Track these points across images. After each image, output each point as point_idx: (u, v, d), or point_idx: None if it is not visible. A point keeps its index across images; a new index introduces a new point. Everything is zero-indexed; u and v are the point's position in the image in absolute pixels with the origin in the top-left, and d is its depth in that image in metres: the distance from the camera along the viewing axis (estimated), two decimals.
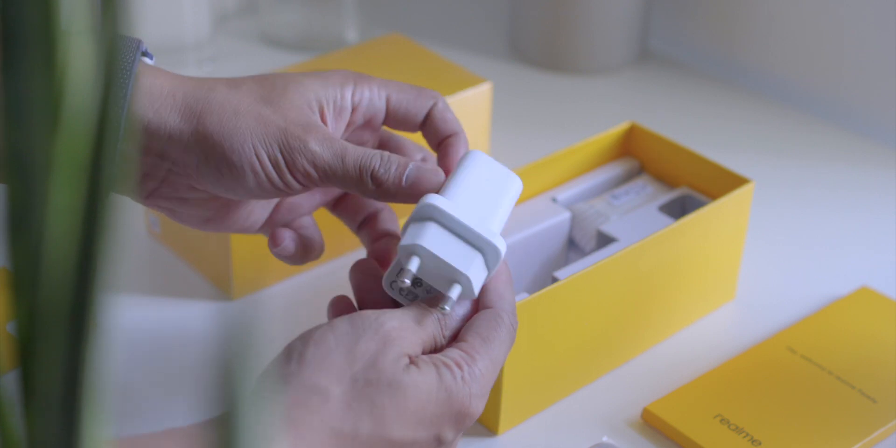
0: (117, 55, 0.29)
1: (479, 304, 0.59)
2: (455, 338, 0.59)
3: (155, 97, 0.59)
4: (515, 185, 0.63)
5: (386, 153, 0.60)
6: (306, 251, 0.65)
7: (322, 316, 0.79)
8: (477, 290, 0.59)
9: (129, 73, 0.58)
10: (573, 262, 0.75)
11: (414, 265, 0.57)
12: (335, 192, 0.67)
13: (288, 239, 0.64)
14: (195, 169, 0.60)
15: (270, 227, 0.65)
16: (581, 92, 1.04)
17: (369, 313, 0.56)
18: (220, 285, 0.80)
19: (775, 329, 0.79)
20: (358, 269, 0.61)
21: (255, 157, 0.59)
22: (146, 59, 0.62)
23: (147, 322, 0.77)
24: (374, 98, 0.63)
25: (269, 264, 0.80)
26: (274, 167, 0.59)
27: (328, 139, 0.60)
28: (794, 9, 1.01)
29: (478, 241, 0.58)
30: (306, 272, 0.82)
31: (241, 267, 0.78)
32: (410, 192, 0.60)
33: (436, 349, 0.58)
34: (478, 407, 0.56)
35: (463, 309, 0.59)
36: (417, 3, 1.16)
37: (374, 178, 0.59)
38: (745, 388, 0.73)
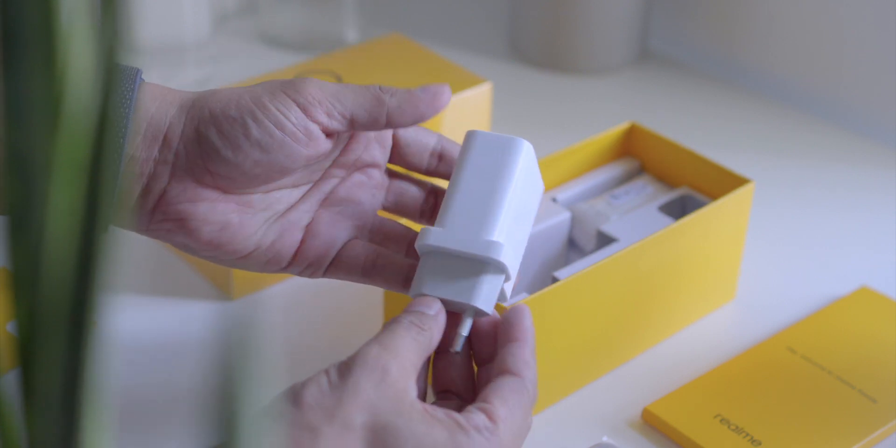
0: (117, 55, 0.29)
1: (504, 367, 0.57)
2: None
3: (155, 94, 0.60)
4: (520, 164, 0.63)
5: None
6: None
7: (321, 316, 0.79)
8: (492, 307, 0.59)
9: (130, 101, 0.57)
10: (573, 262, 0.75)
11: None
12: (364, 219, 0.64)
13: None
14: (197, 147, 0.59)
15: (301, 263, 0.62)
16: (581, 92, 1.04)
17: (364, 349, 0.55)
18: (220, 285, 0.80)
19: (775, 329, 0.79)
20: None
21: (253, 106, 0.59)
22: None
23: (147, 322, 0.77)
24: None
25: None
26: (277, 107, 0.59)
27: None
28: (794, 9, 1.01)
29: (479, 260, 0.59)
30: None
31: None
32: (426, 103, 0.61)
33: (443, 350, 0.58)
34: None
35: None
36: (417, 3, 1.16)
37: (385, 90, 0.61)
38: (745, 388, 0.73)
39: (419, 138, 0.65)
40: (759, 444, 0.69)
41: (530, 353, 0.58)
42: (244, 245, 0.61)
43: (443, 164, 0.65)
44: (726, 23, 1.06)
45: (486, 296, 0.59)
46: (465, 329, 0.59)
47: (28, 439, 0.30)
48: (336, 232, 0.63)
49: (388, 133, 0.64)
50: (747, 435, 0.70)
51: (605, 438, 0.70)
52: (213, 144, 0.59)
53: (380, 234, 0.64)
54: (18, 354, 0.30)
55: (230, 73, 1.02)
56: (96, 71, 0.29)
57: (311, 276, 0.63)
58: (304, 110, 0.59)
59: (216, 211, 0.60)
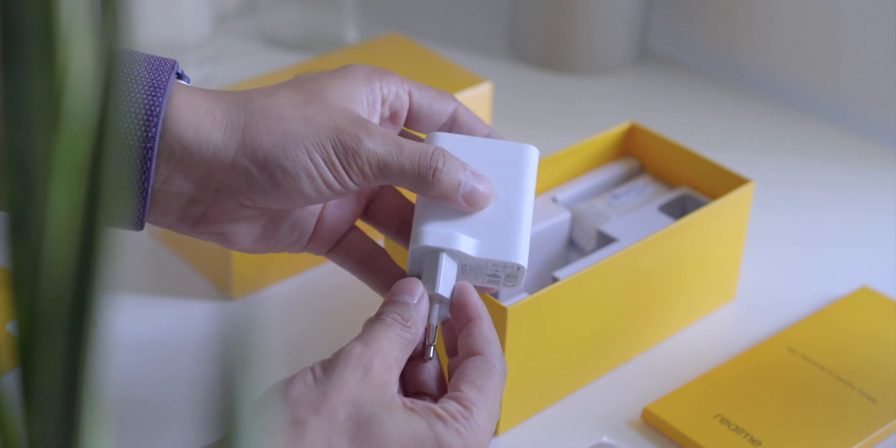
0: (117, 55, 0.29)
1: (466, 350, 0.58)
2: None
3: (193, 115, 0.57)
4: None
5: (445, 151, 0.60)
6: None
7: (321, 316, 0.79)
8: (446, 290, 0.60)
9: (163, 93, 0.56)
10: (573, 262, 0.75)
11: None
12: (367, 199, 0.65)
13: None
14: (245, 183, 0.58)
15: (316, 246, 0.64)
16: (581, 92, 1.04)
17: (348, 347, 0.57)
18: (220, 285, 0.80)
19: (775, 329, 0.79)
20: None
21: (309, 162, 0.57)
22: (182, 82, 0.59)
23: (147, 322, 0.77)
24: (399, 91, 0.62)
25: (269, 264, 0.80)
26: (330, 169, 0.57)
27: (381, 134, 0.58)
28: (794, 9, 1.01)
29: (421, 252, 0.61)
30: (306, 272, 0.82)
31: (241, 267, 0.78)
32: (460, 201, 0.60)
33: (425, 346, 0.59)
34: None
35: (428, 308, 0.60)
36: (417, 3, 1.16)
37: (436, 173, 0.59)
38: (745, 388, 0.73)
39: (433, 111, 0.63)
40: (759, 444, 0.69)
41: (488, 328, 0.59)
42: (276, 247, 0.63)
43: (455, 129, 0.64)
44: (726, 23, 1.06)
45: (428, 278, 0.60)
46: (432, 318, 0.60)
47: (28, 439, 0.30)
48: (345, 215, 0.64)
49: (403, 107, 0.63)
50: (747, 435, 0.70)
51: (605, 438, 0.70)
52: (262, 187, 0.58)
53: (372, 210, 0.65)
54: (18, 354, 0.30)
55: (230, 73, 1.02)
56: (96, 71, 0.29)
57: (316, 252, 0.64)
58: (361, 171, 0.58)
59: (255, 222, 0.61)
